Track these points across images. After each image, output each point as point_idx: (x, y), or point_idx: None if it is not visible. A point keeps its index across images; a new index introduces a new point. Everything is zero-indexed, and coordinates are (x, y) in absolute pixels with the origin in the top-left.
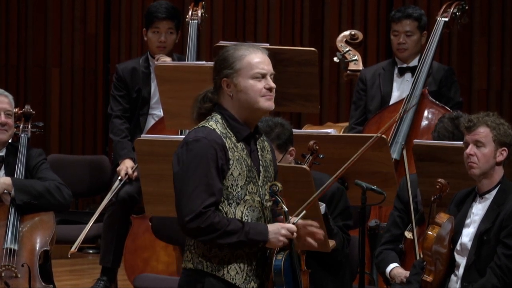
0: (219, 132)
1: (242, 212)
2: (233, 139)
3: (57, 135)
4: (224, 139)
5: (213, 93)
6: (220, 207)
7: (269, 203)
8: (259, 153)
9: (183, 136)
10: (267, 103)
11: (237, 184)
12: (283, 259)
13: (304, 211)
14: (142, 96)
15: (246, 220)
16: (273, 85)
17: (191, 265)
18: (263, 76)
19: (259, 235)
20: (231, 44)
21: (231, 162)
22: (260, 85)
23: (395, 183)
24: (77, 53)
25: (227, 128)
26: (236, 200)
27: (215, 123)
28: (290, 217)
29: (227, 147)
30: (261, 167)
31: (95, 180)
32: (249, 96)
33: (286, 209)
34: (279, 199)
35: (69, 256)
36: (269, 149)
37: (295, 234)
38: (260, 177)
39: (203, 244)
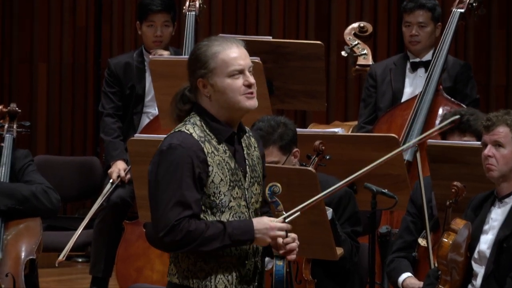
0: (196, 137)
1: (228, 220)
2: (214, 141)
3: (44, 135)
4: (202, 144)
5: (191, 91)
6: (203, 217)
7: (258, 205)
8: (244, 152)
9: None
10: (249, 102)
11: (219, 192)
12: (284, 265)
13: (298, 213)
14: (135, 93)
15: None
16: (252, 80)
17: (176, 280)
18: (241, 72)
19: (244, 234)
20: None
21: (210, 168)
22: (238, 82)
23: (407, 186)
24: (66, 47)
25: (207, 131)
26: (220, 209)
27: (192, 127)
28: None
29: (206, 152)
30: (247, 167)
31: (85, 183)
32: (228, 96)
33: (285, 213)
34: (279, 202)
35: (56, 265)
36: (256, 145)
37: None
38: (247, 179)
39: (187, 258)
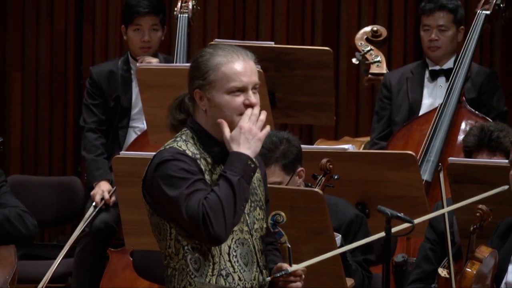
0: (190, 154)
1: (230, 247)
2: (209, 160)
3: (19, 152)
4: (198, 161)
5: (190, 100)
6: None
7: (262, 232)
8: None
9: None
10: None
11: None
12: None
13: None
14: (121, 105)
15: (234, 256)
16: (254, 100)
17: None
18: (242, 90)
19: (236, 161)
20: (223, 42)
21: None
22: (238, 101)
23: (426, 209)
24: (42, 53)
25: (201, 148)
26: None
27: (184, 144)
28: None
29: (203, 170)
30: None
31: (65, 206)
32: (224, 114)
33: (290, 245)
34: (282, 233)
35: None
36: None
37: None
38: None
39: None
